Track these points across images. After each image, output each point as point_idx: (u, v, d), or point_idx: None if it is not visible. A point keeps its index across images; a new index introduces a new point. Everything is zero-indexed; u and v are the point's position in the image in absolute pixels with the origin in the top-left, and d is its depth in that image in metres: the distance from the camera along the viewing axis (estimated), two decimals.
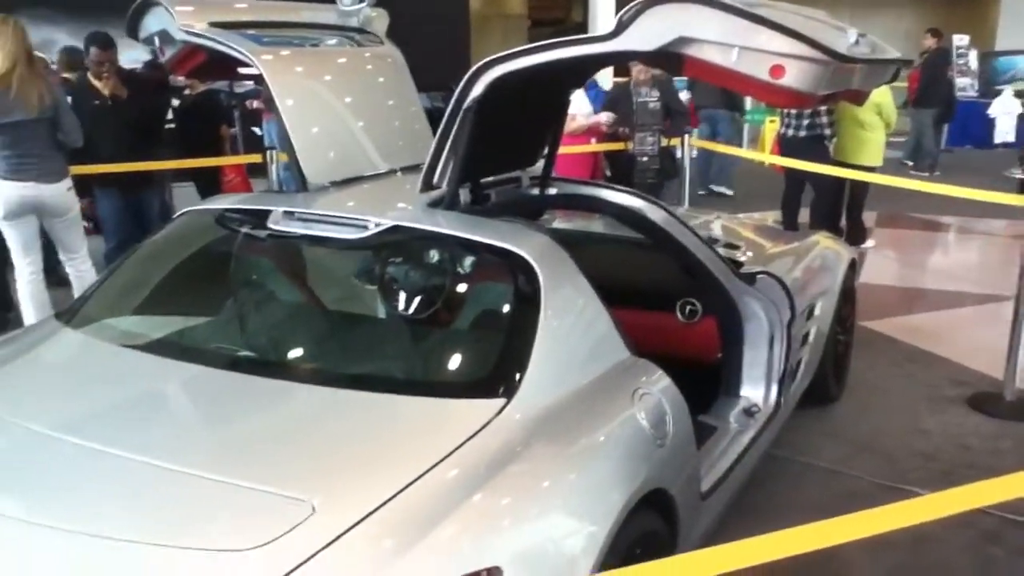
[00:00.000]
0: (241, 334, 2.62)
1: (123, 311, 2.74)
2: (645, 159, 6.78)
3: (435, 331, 2.61)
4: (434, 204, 2.72)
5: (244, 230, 2.85)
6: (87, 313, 2.69)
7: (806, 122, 6.63)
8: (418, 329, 2.61)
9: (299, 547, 1.71)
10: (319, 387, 2.23)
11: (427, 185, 2.71)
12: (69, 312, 2.74)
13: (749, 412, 3.25)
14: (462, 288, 2.69)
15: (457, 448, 2.00)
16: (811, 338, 3.66)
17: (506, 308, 2.48)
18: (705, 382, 3.20)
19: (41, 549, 1.75)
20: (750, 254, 3.66)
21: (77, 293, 4.68)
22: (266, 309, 2.82)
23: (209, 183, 7.02)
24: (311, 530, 1.75)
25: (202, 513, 1.82)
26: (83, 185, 5.32)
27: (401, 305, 2.64)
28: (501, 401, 2.16)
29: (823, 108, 6.50)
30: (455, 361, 2.45)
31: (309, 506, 1.80)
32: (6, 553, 1.77)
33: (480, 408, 2.14)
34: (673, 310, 3.41)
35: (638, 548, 2.13)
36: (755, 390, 3.31)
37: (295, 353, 2.54)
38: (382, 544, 1.77)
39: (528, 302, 2.37)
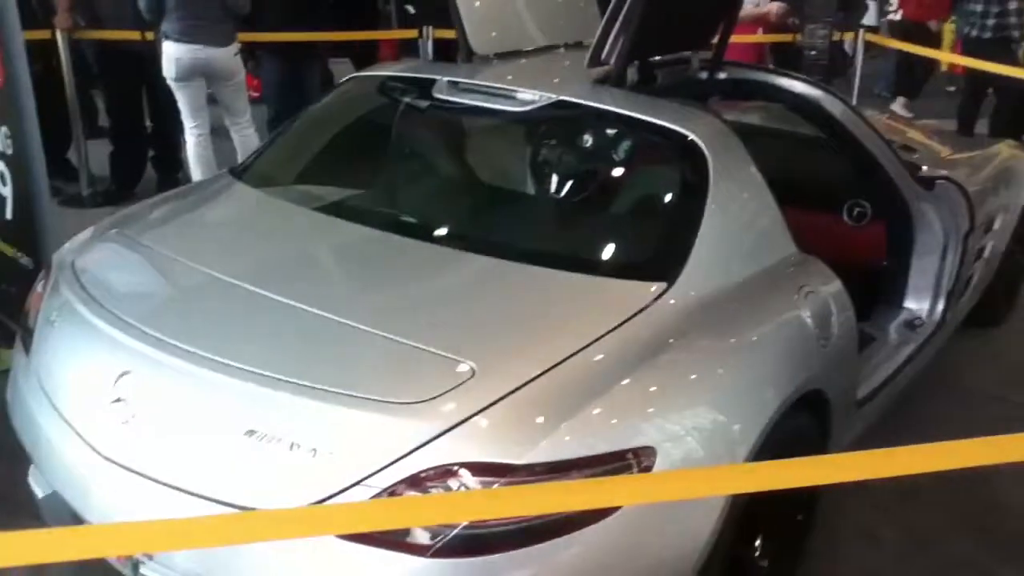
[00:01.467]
0: (406, 200, 2.65)
1: (291, 171, 2.81)
2: (813, 53, 6.35)
3: (598, 209, 2.58)
4: (601, 81, 2.64)
5: (408, 99, 2.86)
6: (258, 171, 2.78)
7: (992, 22, 6.04)
8: (581, 206, 2.58)
9: (459, 407, 1.75)
10: (482, 256, 2.24)
11: (595, 61, 2.62)
12: (241, 169, 2.84)
13: (911, 325, 3.09)
14: (627, 167, 2.62)
15: (615, 328, 1.99)
16: (986, 253, 3.42)
17: (672, 191, 2.41)
18: (866, 289, 3.05)
19: (219, 385, 1.85)
20: (926, 159, 3.41)
21: (240, 156, 4.87)
22: (429, 177, 2.85)
23: (365, 59, 7.09)
24: (470, 392, 1.78)
25: (368, 365, 1.88)
26: (248, 53, 5.47)
27: (564, 180, 2.61)
28: (661, 285, 2.12)
29: (1012, 7, 5.91)
30: (617, 241, 2.40)
31: (469, 369, 1.83)
32: (187, 387, 1.89)
33: (640, 290, 2.11)
34: (840, 211, 3.24)
35: (789, 447, 2.09)
36: (920, 303, 3.14)
37: (459, 221, 2.55)
38: (536, 413, 1.79)
39: (695, 186, 2.29)
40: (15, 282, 3.24)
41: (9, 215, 3.25)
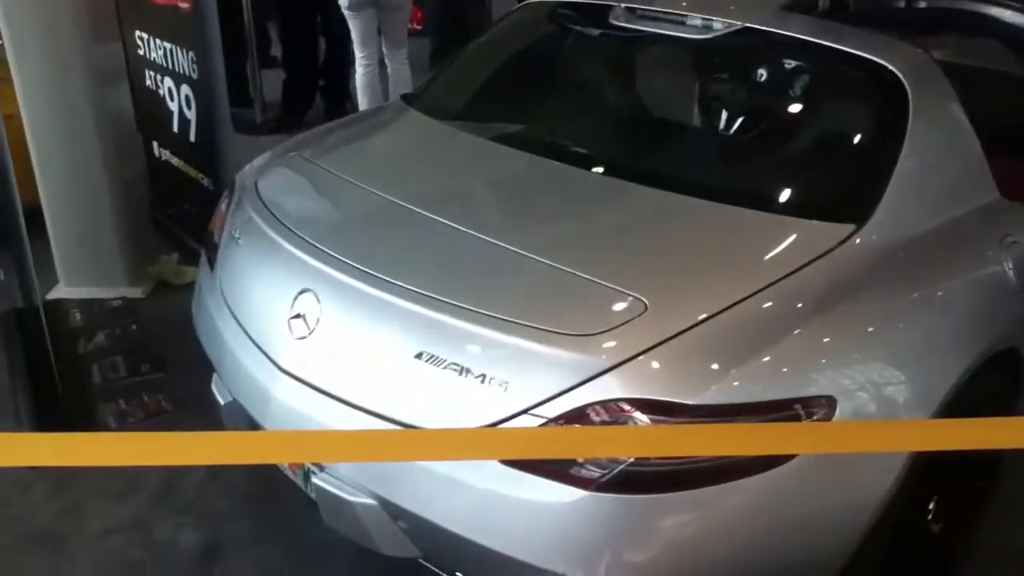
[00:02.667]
0: (578, 130, 2.58)
1: (462, 99, 2.80)
2: None
3: (782, 143, 2.42)
4: (789, 8, 2.47)
5: (582, 26, 2.78)
6: (430, 98, 2.78)
7: None
8: (765, 139, 2.43)
9: (630, 342, 1.70)
10: (656, 189, 2.16)
11: None
12: (414, 96, 2.85)
13: None
14: (817, 100, 2.45)
15: (795, 271, 1.87)
16: None
17: (867, 126, 2.24)
18: None
19: (393, 307, 1.88)
20: None
21: (393, 88, 4.94)
22: (603, 107, 2.77)
23: None
24: (641, 328, 1.73)
25: (539, 295, 1.86)
26: None
27: (748, 113, 2.47)
28: (849, 227, 1.98)
29: None
30: (803, 178, 2.25)
31: (641, 304, 1.77)
32: (362, 307, 1.93)
33: (825, 232, 1.97)
34: None
35: (976, 409, 1.94)
36: None
37: (633, 152, 2.46)
38: (708, 354, 1.72)
39: (893, 122, 2.12)
40: (197, 203, 3.41)
41: (193, 138, 3.41)
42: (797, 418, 1.70)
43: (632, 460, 1.65)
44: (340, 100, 5.84)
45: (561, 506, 1.68)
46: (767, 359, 1.74)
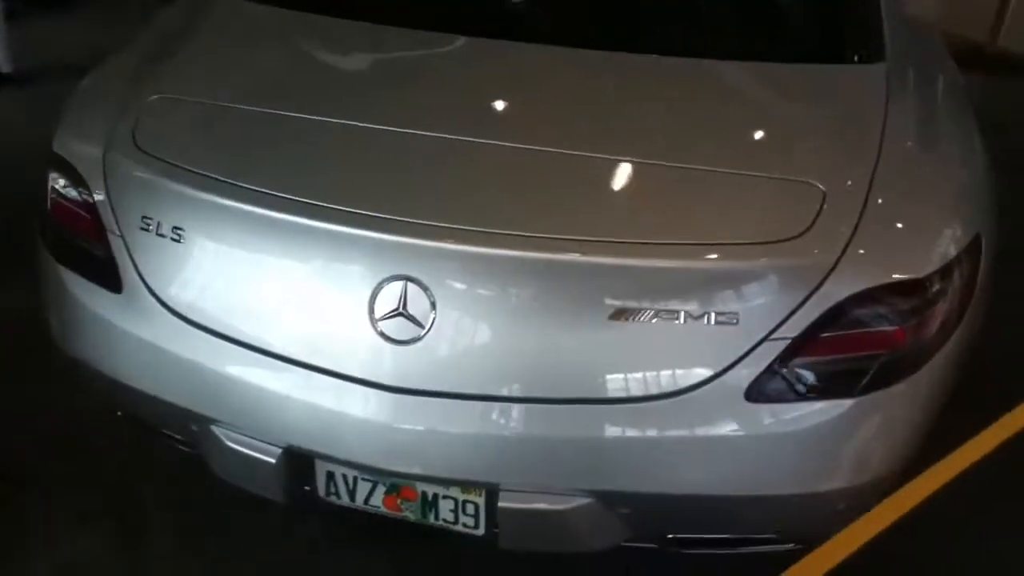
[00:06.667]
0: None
1: None
2: None
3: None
4: None
5: None
6: None
7: None
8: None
9: (837, 230, 1.51)
10: (716, 61, 1.92)
11: None
12: None
13: None
14: None
15: (888, 113, 1.79)
16: None
17: None
18: None
19: (555, 268, 1.48)
20: None
21: None
22: None
23: None
24: (836, 213, 1.54)
25: (713, 207, 1.57)
26: None
27: None
28: (881, 65, 1.93)
29: None
30: (832, 27, 2.04)
31: (818, 189, 1.58)
32: (505, 281, 1.49)
33: (870, 72, 1.92)
34: None
35: None
36: None
37: (671, 25, 2.11)
38: (893, 215, 1.59)
39: None
40: None
41: None
42: (978, 260, 1.69)
43: (884, 355, 1.53)
44: None
45: (828, 423, 1.52)
46: (928, 206, 1.67)
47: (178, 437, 1.83)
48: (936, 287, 1.56)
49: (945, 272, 1.58)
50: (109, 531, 2.10)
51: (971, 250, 1.67)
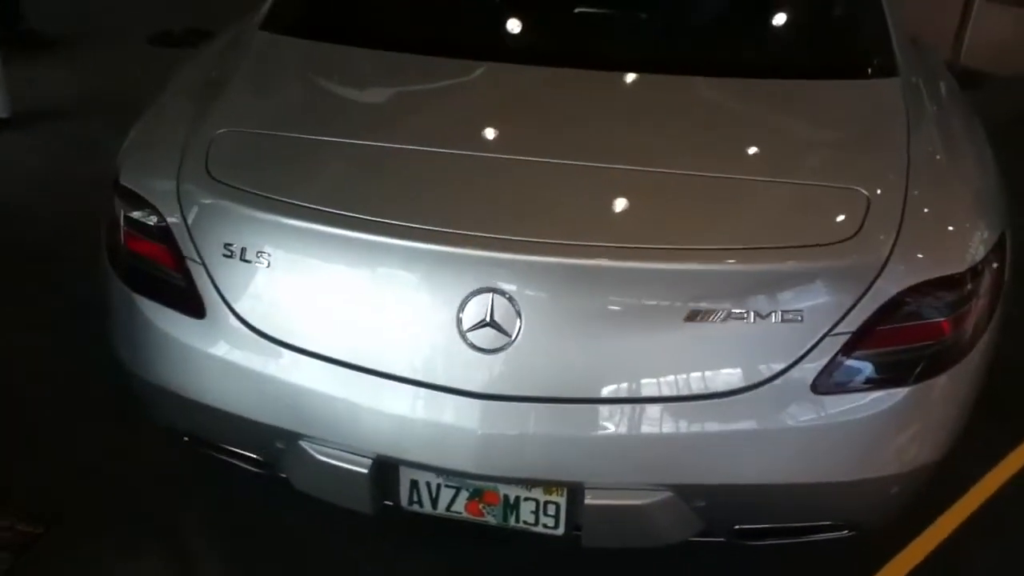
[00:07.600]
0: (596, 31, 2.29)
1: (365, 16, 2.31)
2: None
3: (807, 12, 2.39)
4: None
5: None
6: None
7: None
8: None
9: (884, 231, 1.65)
10: (744, 79, 2.08)
11: None
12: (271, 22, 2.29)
13: None
14: None
15: (907, 119, 1.95)
16: None
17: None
18: None
19: (632, 275, 1.59)
20: None
21: None
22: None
23: None
24: (881, 215, 1.67)
25: (769, 214, 1.70)
26: None
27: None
28: (895, 79, 2.09)
29: None
30: (844, 44, 2.24)
31: (862, 193, 1.72)
32: (586, 289, 1.60)
33: (886, 86, 2.08)
34: None
35: None
36: None
37: (703, 46, 2.27)
38: (930, 215, 1.73)
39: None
40: None
41: None
42: (1004, 257, 1.82)
43: (933, 345, 1.65)
44: None
45: (886, 411, 1.64)
46: (959, 203, 1.82)
47: (254, 456, 1.89)
48: (974, 281, 1.69)
49: (980, 267, 1.71)
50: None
51: (998, 247, 1.80)
